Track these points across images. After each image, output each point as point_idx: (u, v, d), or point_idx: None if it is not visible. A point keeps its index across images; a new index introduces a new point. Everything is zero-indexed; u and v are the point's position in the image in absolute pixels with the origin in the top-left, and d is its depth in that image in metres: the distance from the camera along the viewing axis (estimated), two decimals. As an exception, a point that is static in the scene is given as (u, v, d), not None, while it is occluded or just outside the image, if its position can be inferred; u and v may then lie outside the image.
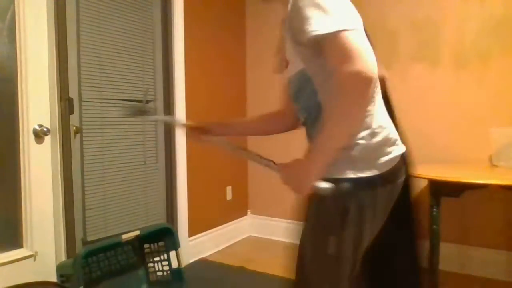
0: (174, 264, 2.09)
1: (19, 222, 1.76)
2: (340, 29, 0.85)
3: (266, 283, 2.29)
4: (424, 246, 2.10)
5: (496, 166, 2.20)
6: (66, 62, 1.94)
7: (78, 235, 2.02)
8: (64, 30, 1.93)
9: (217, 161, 2.96)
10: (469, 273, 2.42)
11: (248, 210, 3.37)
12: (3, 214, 1.72)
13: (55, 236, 1.87)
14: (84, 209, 2.05)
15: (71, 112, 1.97)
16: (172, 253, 2.09)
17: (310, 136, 1.06)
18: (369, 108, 0.95)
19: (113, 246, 1.97)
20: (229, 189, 3.12)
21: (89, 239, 2.07)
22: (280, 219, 3.15)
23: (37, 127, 1.79)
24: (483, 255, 2.39)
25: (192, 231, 2.71)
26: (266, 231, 3.24)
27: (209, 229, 2.90)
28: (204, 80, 2.83)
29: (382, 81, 1.06)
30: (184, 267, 2.14)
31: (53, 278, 1.81)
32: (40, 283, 1.70)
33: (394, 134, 1.02)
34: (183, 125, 1.48)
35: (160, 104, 2.50)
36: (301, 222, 1.02)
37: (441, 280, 2.03)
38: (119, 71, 2.22)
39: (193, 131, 1.35)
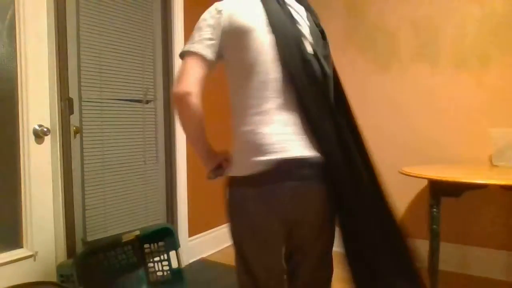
0: (174, 264, 2.09)
1: (19, 222, 1.76)
2: (184, 50, 1.08)
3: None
4: (424, 246, 2.11)
5: (496, 166, 2.21)
6: (66, 62, 1.94)
7: (78, 235, 2.02)
8: (64, 30, 1.93)
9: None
10: (469, 273, 2.42)
11: (248, 210, 3.36)
12: (3, 214, 1.72)
13: (55, 236, 1.87)
14: (84, 209, 2.05)
15: (71, 112, 1.97)
16: (172, 253, 2.09)
17: None
18: (244, 112, 1.06)
19: (113, 246, 1.97)
20: (229, 189, 3.11)
21: (89, 239, 2.07)
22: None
23: (37, 127, 1.79)
24: (483, 255, 2.39)
25: (192, 231, 2.71)
26: (266, 231, 3.23)
27: (209, 229, 2.90)
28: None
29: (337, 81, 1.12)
30: (184, 267, 2.14)
31: (53, 278, 1.81)
32: (40, 283, 1.70)
33: (269, 140, 1.00)
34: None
35: (160, 104, 2.50)
36: None
37: (441, 280, 2.03)
38: (119, 71, 2.22)
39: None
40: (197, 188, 2.74)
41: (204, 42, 1.05)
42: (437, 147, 2.51)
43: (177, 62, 2.56)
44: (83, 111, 2.04)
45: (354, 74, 2.76)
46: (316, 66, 1.04)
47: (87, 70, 2.05)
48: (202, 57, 1.06)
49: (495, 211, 2.36)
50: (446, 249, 2.38)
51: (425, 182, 2.33)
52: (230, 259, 2.77)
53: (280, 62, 1.02)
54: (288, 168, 0.98)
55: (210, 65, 1.09)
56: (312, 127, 1.01)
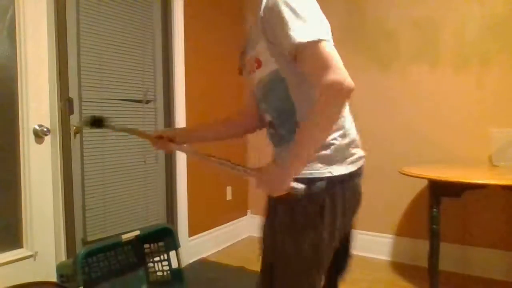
0: (174, 264, 2.09)
1: (19, 222, 1.76)
2: (320, 38, 0.90)
3: (266, 283, 2.29)
4: (424, 246, 2.11)
5: (496, 166, 2.21)
6: (66, 62, 1.94)
7: (78, 235, 2.02)
8: (64, 30, 1.93)
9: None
10: (469, 273, 2.42)
11: (248, 210, 3.37)
12: (3, 214, 1.72)
13: (55, 236, 1.87)
14: (84, 209, 2.05)
15: (71, 112, 1.97)
16: (172, 253, 2.08)
17: (275, 136, 1.09)
18: None
19: (113, 246, 1.97)
20: (229, 189, 3.12)
21: (89, 239, 2.07)
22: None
23: (37, 127, 1.79)
24: (483, 255, 2.39)
25: (192, 231, 2.71)
26: (266, 231, 3.23)
27: (209, 229, 2.90)
28: (204, 79, 2.83)
29: None
30: (184, 267, 2.14)
31: (53, 278, 1.81)
32: (40, 283, 1.70)
33: (357, 136, 1.09)
34: (146, 135, 1.39)
35: (160, 104, 2.50)
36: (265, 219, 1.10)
37: (441, 280, 2.03)
38: (119, 71, 2.22)
39: (158, 140, 1.31)
40: (197, 188, 2.74)
41: (328, 35, 0.93)
42: (437, 147, 2.51)
43: (177, 62, 2.56)
44: (83, 111, 2.04)
45: (354, 74, 2.74)
46: None
47: (87, 70, 2.05)
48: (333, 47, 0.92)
49: (495, 211, 2.36)
50: (446, 249, 2.38)
51: (425, 182, 2.32)
52: (230, 259, 2.77)
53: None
54: (361, 167, 1.08)
55: None
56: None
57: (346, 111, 1.06)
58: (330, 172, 0.99)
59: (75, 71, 1.99)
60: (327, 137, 0.97)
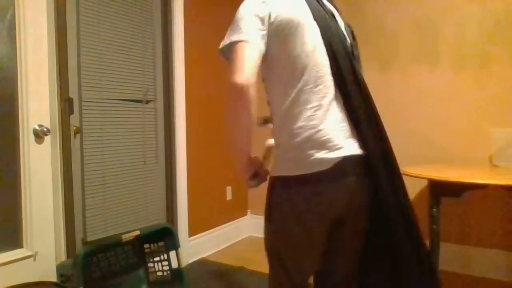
0: (174, 264, 2.09)
1: (19, 222, 1.76)
2: (232, 41, 0.97)
3: (266, 283, 2.29)
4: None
5: (496, 166, 2.20)
6: (66, 62, 1.94)
7: (78, 235, 2.02)
8: (64, 30, 1.93)
9: (217, 161, 2.96)
10: (469, 273, 2.42)
11: (248, 210, 3.37)
12: (3, 214, 1.72)
13: (55, 236, 1.87)
14: (84, 209, 2.05)
15: (71, 112, 1.97)
16: (172, 253, 2.08)
17: None
18: (293, 110, 1.00)
19: (113, 246, 1.97)
20: (229, 189, 3.12)
21: (89, 239, 2.07)
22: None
23: (37, 127, 1.79)
24: (483, 255, 2.39)
25: (192, 231, 2.71)
26: (266, 231, 3.23)
27: (209, 229, 2.90)
28: (204, 79, 2.82)
29: (363, 83, 1.09)
30: (184, 267, 2.14)
31: (53, 278, 1.81)
32: (40, 283, 1.70)
33: (326, 137, 0.98)
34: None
35: (160, 104, 2.50)
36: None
37: (441, 280, 2.03)
38: (119, 71, 2.22)
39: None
40: (197, 188, 2.74)
41: (256, 32, 0.97)
42: (437, 147, 2.51)
43: (177, 62, 2.56)
44: (83, 111, 2.04)
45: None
46: (350, 64, 1.05)
47: (87, 70, 2.05)
48: (255, 46, 0.96)
49: (495, 211, 2.36)
50: (446, 249, 2.37)
51: (425, 182, 2.32)
52: (230, 259, 2.77)
53: (329, 56, 1.01)
54: (344, 166, 0.98)
55: (261, 57, 0.99)
56: (358, 126, 1.03)
57: (301, 111, 0.99)
58: (281, 173, 1.02)
59: (75, 71, 1.99)
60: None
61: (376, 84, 2.70)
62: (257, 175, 1.14)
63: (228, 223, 3.11)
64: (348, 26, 1.16)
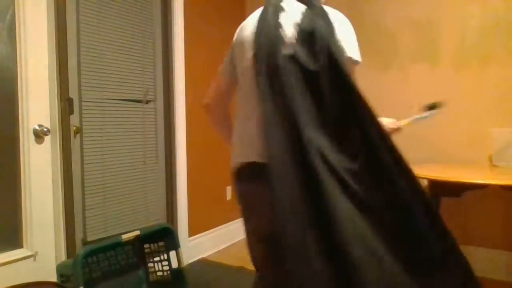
0: (174, 264, 2.09)
1: (19, 222, 1.76)
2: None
3: (266, 283, 2.28)
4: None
5: (496, 166, 2.20)
6: (66, 62, 1.94)
7: (78, 235, 2.02)
8: (64, 30, 1.93)
9: (217, 161, 2.96)
10: (469, 273, 2.42)
11: (248, 210, 3.36)
12: (3, 214, 1.72)
13: (55, 236, 1.87)
14: (84, 209, 2.05)
15: (71, 112, 1.97)
16: (172, 253, 2.08)
17: None
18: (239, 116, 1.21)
19: (113, 246, 1.97)
20: (229, 189, 3.12)
21: (89, 239, 2.07)
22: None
23: (37, 127, 1.79)
24: (483, 255, 2.39)
25: (192, 231, 2.71)
26: (266, 231, 3.23)
27: (209, 229, 2.90)
28: (204, 79, 2.82)
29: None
30: (184, 267, 2.14)
31: (53, 278, 1.81)
32: (40, 283, 1.70)
33: (239, 143, 1.16)
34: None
35: (160, 104, 2.50)
36: None
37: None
38: (119, 71, 2.22)
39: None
40: (197, 188, 2.74)
41: (225, 63, 1.35)
42: (437, 147, 2.51)
43: (177, 62, 2.56)
44: (83, 111, 2.04)
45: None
46: (289, 66, 1.03)
47: (87, 70, 2.05)
48: (220, 75, 1.37)
49: (495, 211, 2.36)
50: (446, 249, 2.37)
51: (425, 182, 2.32)
52: (230, 259, 2.77)
53: (253, 72, 1.09)
54: (245, 170, 1.13)
55: (228, 83, 1.36)
56: (264, 134, 1.02)
57: (239, 119, 1.19)
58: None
59: (75, 71, 1.99)
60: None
61: (376, 84, 2.70)
62: None
63: (228, 223, 3.11)
64: (314, 21, 1.08)
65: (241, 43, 1.18)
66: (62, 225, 1.91)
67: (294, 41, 1.07)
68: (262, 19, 1.12)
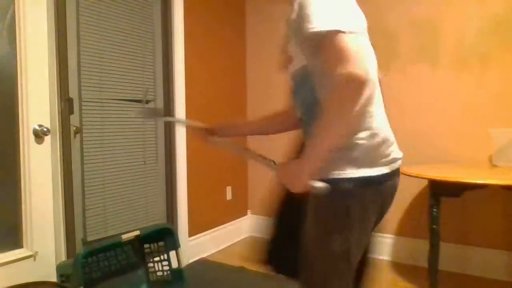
0: (174, 264, 2.09)
1: (19, 222, 1.76)
2: (337, 29, 0.88)
3: (266, 283, 2.29)
4: (424, 246, 2.10)
5: (496, 166, 2.20)
6: (66, 62, 1.94)
7: (78, 235, 2.02)
8: (64, 30, 1.93)
9: (217, 161, 2.96)
10: (469, 273, 2.42)
11: (248, 210, 3.37)
12: (3, 214, 1.72)
13: (55, 236, 1.87)
14: (84, 209, 2.05)
15: (71, 112, 1.97)
16: (172, 253, 2.08)
17: (306, 132, 1.09)
18: (370, 109, 0.99)
19: (113, 246, 1.97)
20: (229, 189, 3.12)
21: (89, 239, 2.07)
22: (280, 219, 3.15)
23: (37, 127, 1.79)
24: (483, 255, 2.39)
25: (192, 231, 2.71)
26: (266, 231, 3.23)
27: (209, 229, 2.90)
28: (204, 79, 2.83)
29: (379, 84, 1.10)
30: (184, 267, 2.14)
31: (53, 278, 1.81)
32: (40, 283, 1.70)
33: (392, 136, 1.07)
34: (192, 125, 1.58)
35: (160, 104, 2.50)
36: (271, 218, 1.21)
37: (441, 280, 2.03)
38: (119, 71, 2.22)
39: (200, 132, 1.42)
40: (197, 188, 2.74)
41: (356, 27, 0.94)
42: (437, 147, 2.51)
43: (177, 62, 2.56)
44: (83, 111, 2.04)
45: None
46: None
47: (87, 70, 2.05)
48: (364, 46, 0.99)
49: (495, 211, 2.36)
50: (446, 249, 2.38)
51: (425, 182, 2.32)
52: (230, 259, 2.77)
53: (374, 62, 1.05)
54: (397, 168, 1.06)
55: None
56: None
57: (376, 110, 1.00)
58: (358, 174, 0.97)
59: (75, 71, 1.99)
60: (343, 132, 0.93)
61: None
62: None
63: (228, 223, 3.11)
64: None
65: (362, 24, 1.04)
66: (62, 225, 1.91)
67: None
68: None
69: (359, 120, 0.97)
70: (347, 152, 0.97)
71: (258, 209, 3.31)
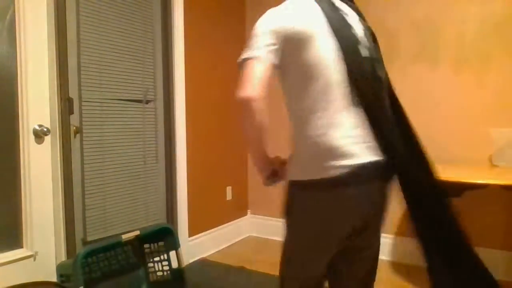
0: (174, 264, 2.09)
1: (19, 222, 1.76)
2: (247, 57, 1.02)
3: (266, 283, 2.29)
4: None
5: (496, 166, 2.21)
6: (66, 62, 1.94)
7: (78, 235, 2.02)
8: (64, 30, 1.93)
9: (217, 161, 2.96)
10: (469, 273, 2.42)
11: (248, 210, 3.37)
12: (3, 214, 1.72)
13: (55, 236, 1.87)
14: (84, 209, 2.05)
15: (71, 112, 1.97)
16: (172, 253, 2.08)
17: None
18: (315, 116, 1.03)
19: (113, 246, 1.97)
20: (229, 189, 3.12)
21: (89, 239, 2.07)
22: (280, 219, 3.15)
23: (37, 127, 1.79)
24: (483, 255, 2.38)
25: (192, 231, 2.71)
26: (266, 231, 3.24)
27: (209, 229, 2.90)
28: (204, 79, 2.83)
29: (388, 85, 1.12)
30: (184, 267, 2.14)
31: (53, 278, 1.81)
32: (40, 283, 1.70)
33: (341, 143, 1.00)
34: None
35: (160, 104, 2.50)
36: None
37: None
38: (119, 71, 2.22)
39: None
40: (197, 188, 2.74)
41: (267, 48, 1.02)
42: (437, 147, 2.51)
43: (177, 62, 2.56)
44: (83, 111, 2.04)
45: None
46: (370, 68, 1.06)
47: (87, 70, 2.05)
48: (264, 61, 1.02)
49: (495, 211, 2.36)
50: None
51: (425, 182, 2.32)
52: (230, 259, 2.77)
53: (343, 64, 1.03)
54: (359, 172, 1.00)
55: (274, 70, 1.05)
56: (377, 130, 1.04)
57: (318, 116, 1.02)
58: (298, 177, 1.06)
59: (75, 71, 1.99)
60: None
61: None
62: (275, 174, 1.17)
63: (228, 223, 3.11)
64: (367, 28, 1.17)
65: (306, 34, 1.02)
66: (62, 225, 1.91)
67: (367, 42, 1.11)
68: (328, 14, 1.06)
69: (300, 128, 1.06)
70: (294, 156, 1.09)
71: (258, 209, 3.31)
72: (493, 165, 2.24)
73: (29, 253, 1.77)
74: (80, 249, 1.94)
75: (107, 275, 1.93)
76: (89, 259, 1.86)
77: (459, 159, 2.42)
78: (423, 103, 2.56)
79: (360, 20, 1.16)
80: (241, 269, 2.54)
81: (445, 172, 1.99)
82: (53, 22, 1.86)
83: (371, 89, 1.04)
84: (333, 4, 1.09)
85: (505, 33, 2.30)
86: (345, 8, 1.13)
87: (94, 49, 2.09)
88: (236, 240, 3.17)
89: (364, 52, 1.07)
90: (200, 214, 2.79)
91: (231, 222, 3.15)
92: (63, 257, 1.91)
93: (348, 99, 1.02)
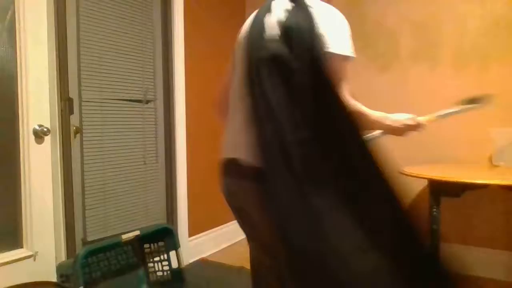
0: (174, 264, 2.09)
1: (19, 222, 1.76)
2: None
3: (266, 283, 2.29)
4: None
5: (496, 166, 2.20)
6: (66, 62, 1.94)
7: (78, 235, 2.02)
8: (64, 30, 1.93)
9: (217, 161, 2.95)
10: (469, 273, 2.42)
11: (248, 210, 3.36)
12: (3, 214, 1.72)
13: (55, 236, 1.87)
14: (84, 209, 2.05)
15: (71, 112, 1.97)
16: (172, 253, 2.09)
17: None
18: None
19: (113, 246, 1.97)
20: (229, 189, 3.11)
21: (89, 239, 2.07)
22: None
23: (37, 127, 1.79)
24: (483, 255, 2.39)
25: (192, 231, 2.71)
26: (266, 231, 3.23)
27: (209, 229, 2.90)
28: (204, 79, 2.83)
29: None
30: (184, 267, 2.14)
31: (53, 278, 1.81)
32: (40, 283, 1.70)
33: (227, 140, 1.29)
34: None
35: (160, 104, 2.50)
36: None
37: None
38: (119, 71, 2.22)
39: None
40: (197, 188, 2.74)
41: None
42: (437, 147, 2.51)
43: (177, 62, 2.56)
44: (83, 111, 2.04)
45: (353, 74, 2.75)
46: (271, 66, 1.04)
47: (87, 70, 2.05)
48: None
49: (495, 211, 2.36)
50: (446, 249, 2.37)
51: (425, 182, 2.32)
52: (230, 259, 2.77)
53: (239, 70, 1.16)
54: (225, 167, 1.29)
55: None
56: (254, 129, 1.04)
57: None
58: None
59: (75, 71, 1.99)
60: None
61: (376, 84, 2.69)
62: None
63: (228, 223, 3.11)
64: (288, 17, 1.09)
65: (237, 42, 1.24)
66: (62, 225, 1.91)
67: (278, 38, 1.05)
68: (254, 17, 1.17)
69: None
70: None
71: (258, 209, 3.31)
72: (493, 165, 2.24)
73: (29, 253, 1.77)
74: (80, 249, 1.94)
75: (107, 275, 1.93)
76: (89, 259, 1.86)
77: (459, 159, 2.42)
78: (423, 103, 2.56)
79: (293, 11, 1.11)
80: (241, 269, 2.54)
81: (445, 172, 1.99)
82: (53, 22, 1.86)
83: (259, 86, 1.12)
84: (267, 5, 1.20)
85: (505, 33, 2.30)
86: (279, 5, 1.16)
87: (94, 49, 2.09)
88: (236, 240, 3.17)
89: (271, 50, 1.11)
90: (200, 214, 2.79)
91: (231, 222, 3.15)
92: (63, 257, 1.91)
93: (240, 102, 1.24)
